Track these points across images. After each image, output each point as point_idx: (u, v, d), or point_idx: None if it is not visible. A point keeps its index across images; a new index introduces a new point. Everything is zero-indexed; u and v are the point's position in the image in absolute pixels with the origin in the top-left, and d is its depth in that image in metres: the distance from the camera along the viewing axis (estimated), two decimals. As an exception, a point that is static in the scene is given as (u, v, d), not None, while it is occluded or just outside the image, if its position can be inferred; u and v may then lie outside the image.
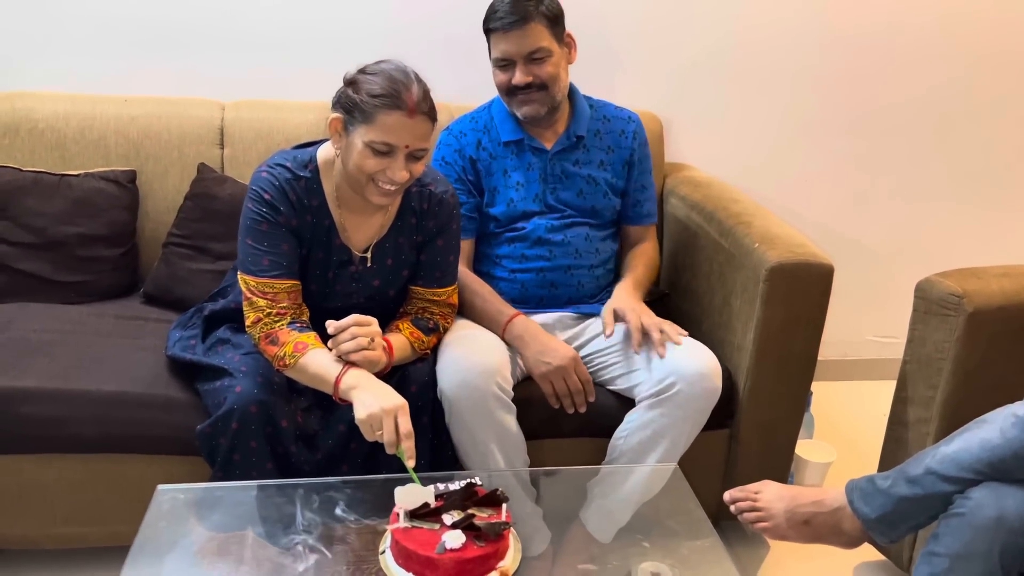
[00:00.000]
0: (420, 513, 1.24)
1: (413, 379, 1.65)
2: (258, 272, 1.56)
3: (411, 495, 1.26)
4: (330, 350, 1.49)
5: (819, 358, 2.68)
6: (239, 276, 1.59)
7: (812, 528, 1.52)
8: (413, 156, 1.53)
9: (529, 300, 1.92)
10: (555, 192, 1.93)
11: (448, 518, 1.23)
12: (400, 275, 1.72)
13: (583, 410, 1.76)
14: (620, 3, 2.40)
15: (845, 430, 2.47)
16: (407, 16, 2.32)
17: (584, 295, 1.95)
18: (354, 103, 1.49)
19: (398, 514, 1.24)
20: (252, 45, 2.28)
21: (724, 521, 1.90)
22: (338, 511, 1.38)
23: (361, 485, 1.43)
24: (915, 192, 2.74)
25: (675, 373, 1.71)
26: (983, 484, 1.34)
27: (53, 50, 2.22)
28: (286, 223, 1.58)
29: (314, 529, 1.35)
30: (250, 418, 1.51)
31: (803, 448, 2.15)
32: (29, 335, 1.84)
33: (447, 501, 1.26)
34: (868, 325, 2.82)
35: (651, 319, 1.78)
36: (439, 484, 1.30)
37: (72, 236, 2.02)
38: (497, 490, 1.28)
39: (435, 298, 1.74)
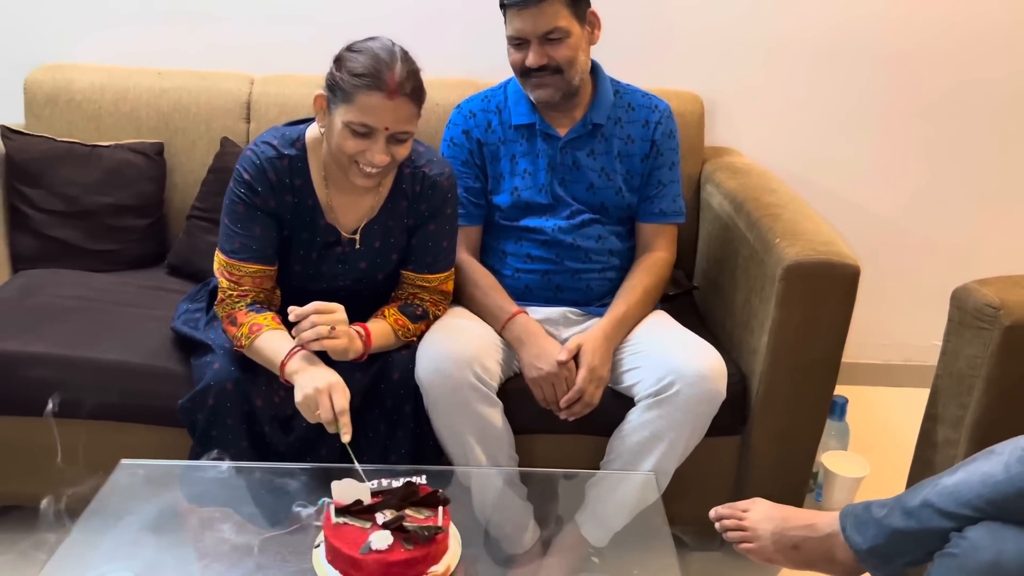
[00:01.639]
0: (353, 510, 1.20)
1: (395, 366, 1.61)
2: (229, 252, 1.57)
3: (348, 490, 1.22)
4: (293, 336, 1.47)
5: (869, 361, 2.50)
6: (215, 253, 1.58)
7: (802, 554, 1.40)
8: (395, 139, 1.48)
9: (533, 299, 1.83)
10: (563, 184, 1.81)
11: (380, 517, 1.19)
12: (389, 258, 1.67)
13: (571, 419, 1.67)
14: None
15: (884, 442, 2.28)
16: (442, -10, 2.26)
17: (592, 298, 1.84)
18: (336, 82, 1.46)
19: (331, 509, 1.20)
20: (286, 18, 2.28)
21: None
22: (293, 498, 1.36)
23: (323, 473, 1.39)
24: (984, 188, 2.49)
25: (674, 373, 1.60)
26: (981, 523, 1.19)
27: (94, 23, 2.27)
28: (263, 204, 1.56)
29: (264, 515, 1.34)
30: (226, 395, 1.52)
31: (833, 460, 1.99)
32: (54, 300, 1.92)
33: (383, 499, 1.22)
34: (933, 328, 2.59)
35: (595, 390, 1.65)
36: (383, 480, 1.25)
37: (103, 206, 2.08)
38: (438, 491, 1.22)
39: (425, 284, 1.69)
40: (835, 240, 1.70)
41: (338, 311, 1.47)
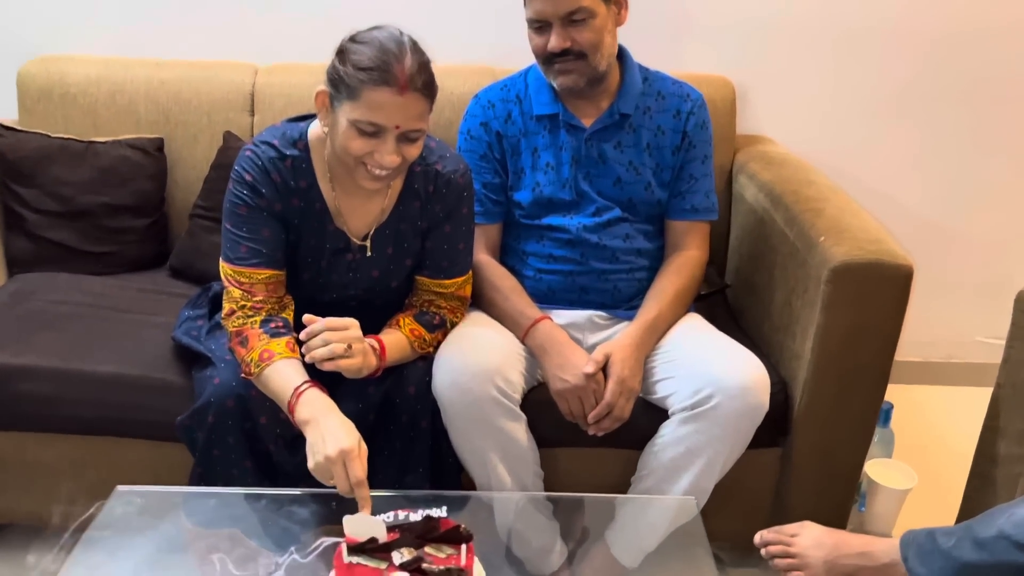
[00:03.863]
0: (368, 548, 1.09)
1: (411, 380, 1.50)
2: (236, 260, 1.44)
3: (362, 525, 1.11)
4: (303, 356, 1.34)
5: (914, 360, 2.36)
6: (220, 263, 1.47)
7: (855, 584, 1.29)
8: (406, 138, 1.35)
9: (556, 302, 1.70)
10: (588, 178, 1.68)
11: (397, 556, 1.08)
12: (403, 265, 1.55)
13: (600, 435, 1.55)
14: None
15: (934, 449, 2.15)
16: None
17: (620, 300, 1.71)
18: (339, 76, 1.33)
19: (343, 547, 1.09)
20: (291, 3, 2.16)
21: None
22: (302, 525, 1.25)
23: (330, 499, 1.28)
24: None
25: (714, 384, 1.48)
26: (1068, 561, 1.07)
27: (88, 12, 2.15)
28: (268, 207, 1.44)
29: (271, 545, 1.23)
30: (227, 413, 1.41)
31: (878, 470, 1.87)
32: (47, 307, 1.82)
33: (401, 535, 1.10)
34: (977, 324, 2.46)
35: (625, 403, 1.52)
36: (399, 512, 1.14)
37: (98, 205, 1.97)
38: (460, 526, 1.11)
39: (441, 290, 1.57)
40: (884, 238, 1.57)
41: (352, 327, 1.34)
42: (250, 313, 1.42)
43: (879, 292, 1.52)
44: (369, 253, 1.52)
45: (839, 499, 1.69)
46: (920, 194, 2.35)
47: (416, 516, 1.12)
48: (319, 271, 1.53)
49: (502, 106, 1.71)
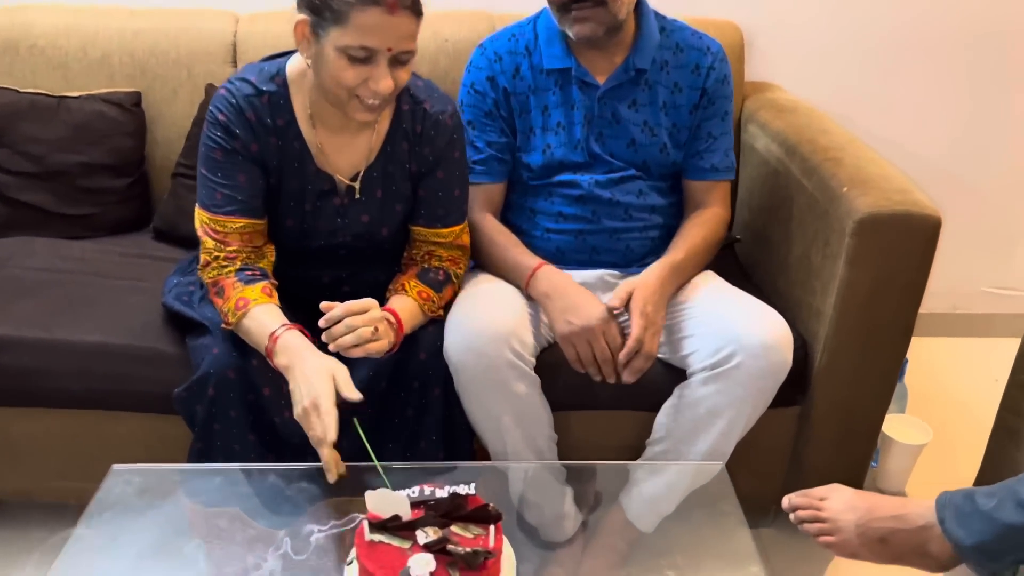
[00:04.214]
0: (390, 526, 1.02)
1: (422, 345, 1.42)
2: (211, 207, 1.38)
3: (384, 501, 1.04)
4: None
5: (919, 311, 2.31)
6: (196, 209, 1.41)
7: (890, 547, 1.24)
8: (397, 60, 1.28)
9: (565, 262, 1.62)
10: (601, 139, 1.59)
11: (422, 536, 1.01)
12: (393, 210, 1.48)
13: (612, 380, 1.47)
14: None
15: (946, 402, 2.12)
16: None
17: (632, 259, 1.64)
18: (324, 1, 1.24)
19: (364, 524, 1.02)
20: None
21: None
22: (309, 502, 1.19)
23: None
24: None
25: (736, 343, 1.41)
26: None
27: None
28: (243, 149, 1.37)
29: (284, 522, 1.16)
30: (228, 384, 1.34)
31: (891, 425, 1.83)
32: (24, 273, 1.72)
33: (425, 513, 1.04)
34: (983, 274, 2.42)
35: (652, 338, 1.44)
36: (425, 488, 1.07)
37: (74, 165, 1.86)
38: (488, 505, 1.04)
39: (440, 240, 1.50)
40: (910, 188, 1.51)
41: (372, 307, 1.28)
42: (224, 263, 1.37)
43: (906, 244, 1.46)
44: (358, 196, 1.44)
45: (857, 457, 1.65)
46: (918, 141, 2.28)
47: (442, 492, 1.05)
48: (303, 216, 1.45)
49: (510, 59, 1.60)
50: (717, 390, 1.44)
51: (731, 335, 1.42)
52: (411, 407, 1.43)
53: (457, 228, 1.51)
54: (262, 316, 1.31)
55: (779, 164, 1.76)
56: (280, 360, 1.27)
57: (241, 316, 1.32)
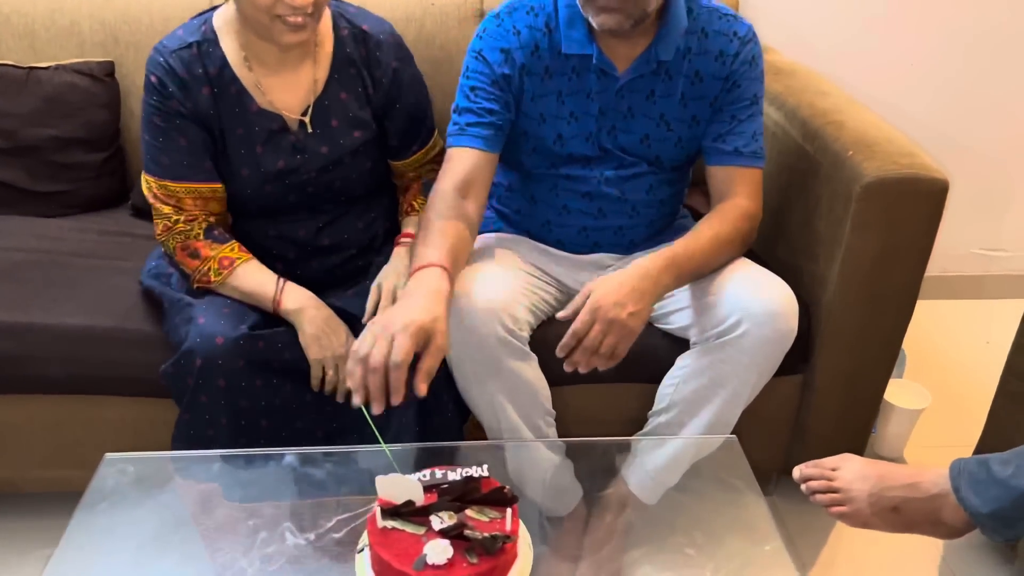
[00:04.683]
0: (403, 512, 0.99)
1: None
2: (159, 172, 1.40)
3: (396, 486, 1.00)
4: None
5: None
6: (142, 176, 1.42)
7: (902, 516, 1.23)
8: None
9: (564, 250, 1.57)
10: (612, 133, 1.48)
11: (437, 521, 0.98)
12: (352, 137, 1.46)
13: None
14: None
15: (944, 365, 2.12)
16: None
17: (636, 245, 1.58)
18: None
19: (376, 511, 0.99)
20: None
21: (786, 479, 1.62)
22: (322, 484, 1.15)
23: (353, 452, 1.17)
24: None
25: (741, 311, 1.38)
26: None
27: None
28: (179, 107, 1.36)
29: (289, 511, 1.12)
30: (215, 352, 1.30)
31: (890, 390, 1.81)
32: (-1, 254, 1.64)
33: (439, 497, 1.00)
34: (972, 236, 2.41)
35: (602, 335, 1.25)
36: (436, 471, 1.04)
37: (46, 139, 1.78)
38: (504, 488, 1.01)
39: (423, 159, 1.58)
40: (916, 151, 1.48)
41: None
42: (188, 226, 1.40)
43: (913, 208, 1.43)
44: (312, 129, 1.43)
45: (859, 425, 1.64)
46: (910, 101, 2.25)
47: (454, 475, 1.02)
48: (257, 161, 1.42)
49: (529, 35, 1.44)
50: (722, 359, 1.41)
51: (736, 303, 1.38)
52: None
53: (429, 145, 1.57)
54: (253, 270, 1.40)
55: (777, 128, 1.72)
56: (289, 305, 1.36)
57: (227, 275, 1.38)
